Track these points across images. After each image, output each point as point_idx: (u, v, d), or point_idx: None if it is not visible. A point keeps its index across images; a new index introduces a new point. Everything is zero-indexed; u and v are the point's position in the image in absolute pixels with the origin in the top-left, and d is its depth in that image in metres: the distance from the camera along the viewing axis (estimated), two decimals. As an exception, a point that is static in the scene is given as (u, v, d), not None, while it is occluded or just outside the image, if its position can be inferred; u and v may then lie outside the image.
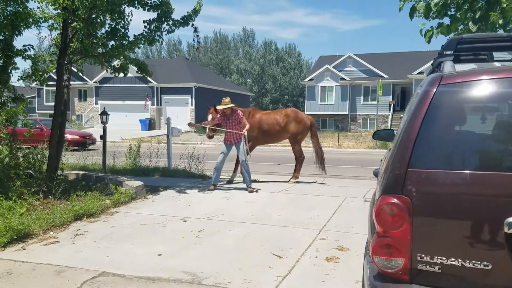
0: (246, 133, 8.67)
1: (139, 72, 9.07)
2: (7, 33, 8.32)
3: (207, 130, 8.99)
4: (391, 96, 35.79)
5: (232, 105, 8.58)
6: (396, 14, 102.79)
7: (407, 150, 2.18)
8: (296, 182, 9.98)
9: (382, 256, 2.22)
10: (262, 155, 16.37)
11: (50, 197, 7.30)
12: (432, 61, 3.61)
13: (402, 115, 25.40)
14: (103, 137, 9.62)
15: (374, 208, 2.26)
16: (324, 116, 37.91)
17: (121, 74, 9.35)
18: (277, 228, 6.09)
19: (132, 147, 12.39)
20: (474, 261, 2.01)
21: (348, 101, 36.31)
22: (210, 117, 9.20)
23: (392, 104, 34.92)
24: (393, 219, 2.17)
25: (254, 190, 8.55)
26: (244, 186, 8.85)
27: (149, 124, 39.34)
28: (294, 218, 6.57)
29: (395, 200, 2.16)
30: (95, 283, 4.22)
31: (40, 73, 9.16)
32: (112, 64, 9.31)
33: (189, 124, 9.70)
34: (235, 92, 45.27)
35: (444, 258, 2.07)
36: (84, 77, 40.82)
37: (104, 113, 9.48)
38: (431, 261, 2.10)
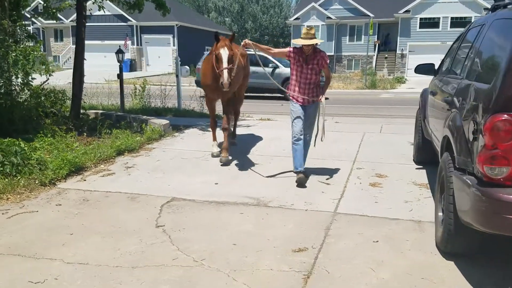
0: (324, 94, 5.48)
1: (157, 8, 8.98)
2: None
3: (225, 75, 5.36)
4: (376, 36, 35.83)
5: (319, 40, 5.32)
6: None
7: None
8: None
9: (490, 165, 2.66)
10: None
11: (85, 134, 7.50)
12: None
13: (386, 55, 25.20)
14: (120, 75, 9.65)
15: (485, 125, 2.65)
16: (309, 57, 37.85)
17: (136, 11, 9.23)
18: (312, 160, 6.48)
19: (137, 88, 12.54)
20: None
21: (334, 41, 36.24)
22: (225, 53, 5.45)
23: (377, 44, 35.07)
24: (505, 133, 2.57)
25: (305, 180, 5.37)
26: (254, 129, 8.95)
27: (130, 65, 38.46)
28: (325, 152, 6.99)
29: (509, 118, 2.56)
30: (172, 206, 4.61)
31: (54, 10, 9.02)
32: (127, 0, 9.15)
33: (246, 43, 5.42)
34: (217, 32, 44.32)
35: (549, 165, 2.53)
36: (59, 15, 39.10)
37: (119, 51, 9.46)
38: (537, 168, 2.55)
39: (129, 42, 38.36)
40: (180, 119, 10.36)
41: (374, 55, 35.31)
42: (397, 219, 4.28)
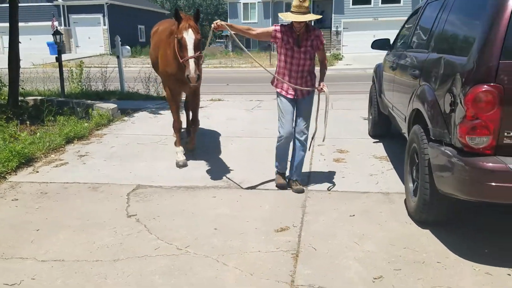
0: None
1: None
2: None
3: (192, 66, 4.29)
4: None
5: (315, 16, 4.37)
6: None
7: (497, 46, 2.65)
8: (259, 100, 10.32)
9: (471, 135, 2.77)
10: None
11: (27, 122, 6.98)
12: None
13: (322, 33, 25.98)
14: (59, 58, 9.03)
15: (466, 97, 2.74)
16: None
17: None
18: (273, 139, 6.35)
19: (73, 71, 11.86)
20: (552, 133, 2.64)
21: (271, 19, 36.20)
22: (191, 38, 4.42)
23: (313, 22, 35.49)
24: (486, 104, 2.69)
25: (302, 189, 4.42)
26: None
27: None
28: (283, 129, 7.00)
29: (490, 88, 2.67)
30: (139, 194, 4.43)
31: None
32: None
33: (218, 24, 4.15)
34: (150, 10, 42.85)
35: (527, 132, 2.68)
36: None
37: (57, 32, 8.82)
38: (516, 135, 2.70)
39: (56, 23, 35.88)
40: (126, 102, 9.93)
41: (310, 32, 35.73)
42: (366, 192, 4.40)
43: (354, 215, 3.84)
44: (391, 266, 2.98)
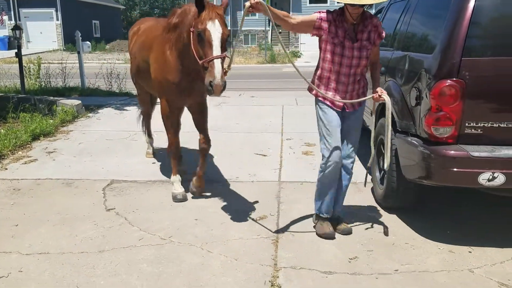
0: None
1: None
2: None
3: (218, 69, 3.14)
4: (269, 12, 36.55)
5: None
6: None
7: (459, 44, 2.92)
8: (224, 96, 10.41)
9: (436, 126, 3.03)
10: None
11: (-11, 119, 6.79)
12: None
13: (280, 31, 25.93)
14: (18, 54, 8.77)
15: (431, 91, 3.01)
16: (205, 32, 37.50)
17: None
18: (243, 134, 6.68)
19: (31, 67, 11.51)
20: (507, 122, 2.94)
21: (229, 15, 36.27)
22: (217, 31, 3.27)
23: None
24: (450, 97, 2.96)
25: (350, 230, 3.45)
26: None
27: (9, 43, 34.72)
28: (252, 126, 7.20)
29: (453, 83, 2.94)
30: (115, 189, 4.47)
31: None
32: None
33: (256, 1, 2.91)
34: (105, 5, 41.78)
35: (485, 122, 2.97)
36: None
37: (16, 27, 8.57)
38: (476, 125, 2.99)
39: (5, 17, 34.53)
40: (88, 98, 9.75)
41: (269, 30, 36.13)
42: (336, 182, 4.63)
43: (326, 204, 4.05)
44: (364, 248, 3.22)
